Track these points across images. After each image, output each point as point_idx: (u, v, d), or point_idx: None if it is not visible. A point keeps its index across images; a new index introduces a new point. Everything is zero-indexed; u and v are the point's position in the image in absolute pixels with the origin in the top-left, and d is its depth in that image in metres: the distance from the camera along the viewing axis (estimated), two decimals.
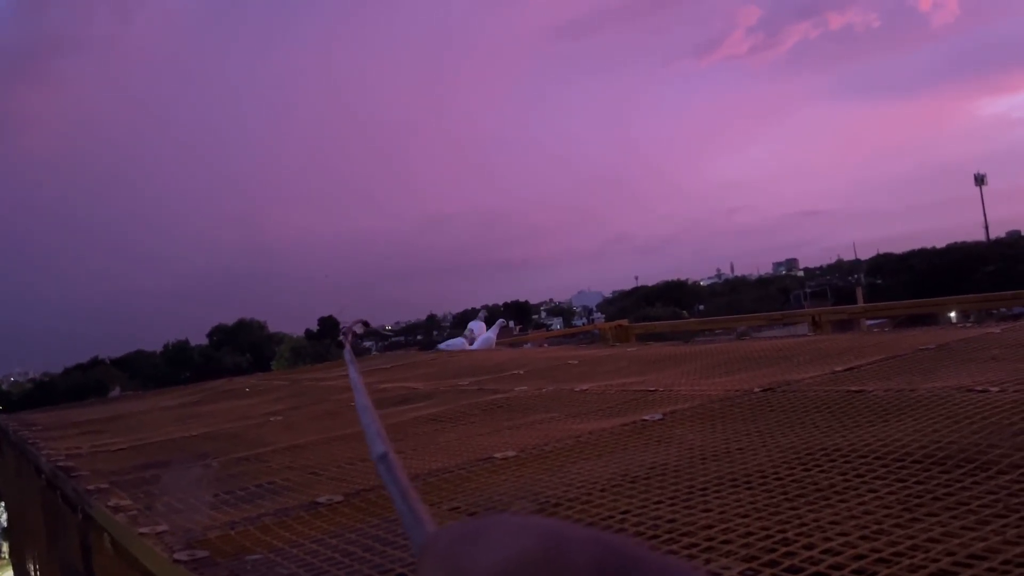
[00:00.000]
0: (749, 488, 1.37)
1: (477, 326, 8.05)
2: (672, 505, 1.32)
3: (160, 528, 1.56)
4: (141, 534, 1.54)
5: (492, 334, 7.85)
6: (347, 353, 1.08)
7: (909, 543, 1.02)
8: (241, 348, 56.15)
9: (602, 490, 1.48)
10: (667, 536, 1.17)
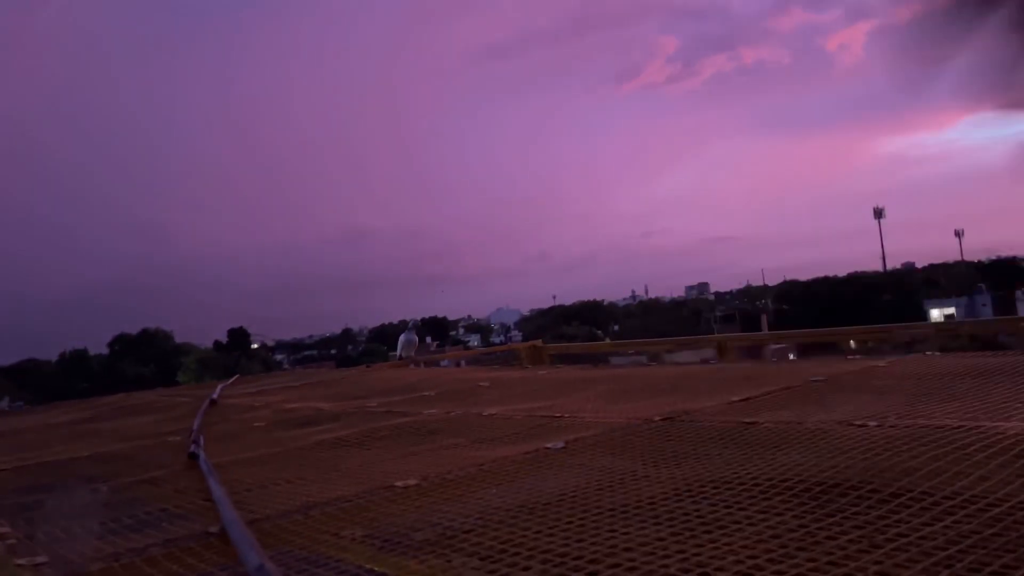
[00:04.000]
0: (639, 519, 1.42)
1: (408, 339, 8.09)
2: (565, 536, 1.35)
3: (39, 559, 1.50)
4: (19, 565, 1.47)
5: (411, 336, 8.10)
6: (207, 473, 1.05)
7: None
8: (144, 359, 53.93)
9: (499, 521, 1.51)
10: (556, 571, 1.19)
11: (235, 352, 50.52)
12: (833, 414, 2.24)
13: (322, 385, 5.88)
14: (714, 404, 2.72)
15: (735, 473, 1.68)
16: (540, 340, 8.02)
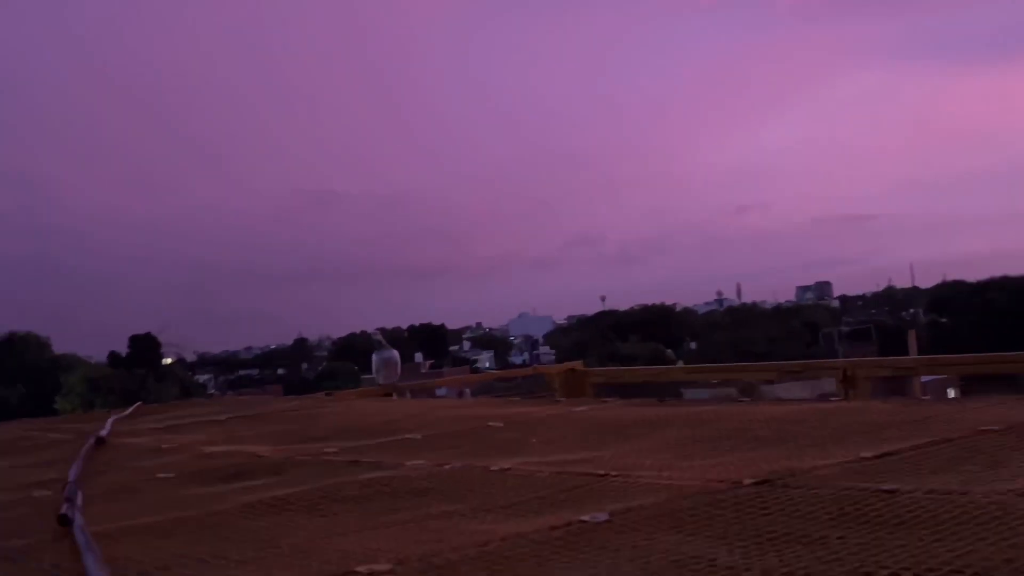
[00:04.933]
0: None
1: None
2: None
3: None
4: None
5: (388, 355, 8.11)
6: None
7: None
8: (10, 376, 54.59)
9: None
10: None
11: (139, 369, 51.03)
12: (1017, 482, 2.21)
13: (262, 420, 5.92)
14: (835, 462, 2.69)
15: (865, 568, 1.64)
16: (581, 362, 8.12)
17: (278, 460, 3.91)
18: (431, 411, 5.73)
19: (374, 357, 8.24)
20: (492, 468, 3.17)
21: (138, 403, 8.85)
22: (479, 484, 2.93)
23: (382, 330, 9.62)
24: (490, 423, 4.56)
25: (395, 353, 8.17)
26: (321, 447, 4.18)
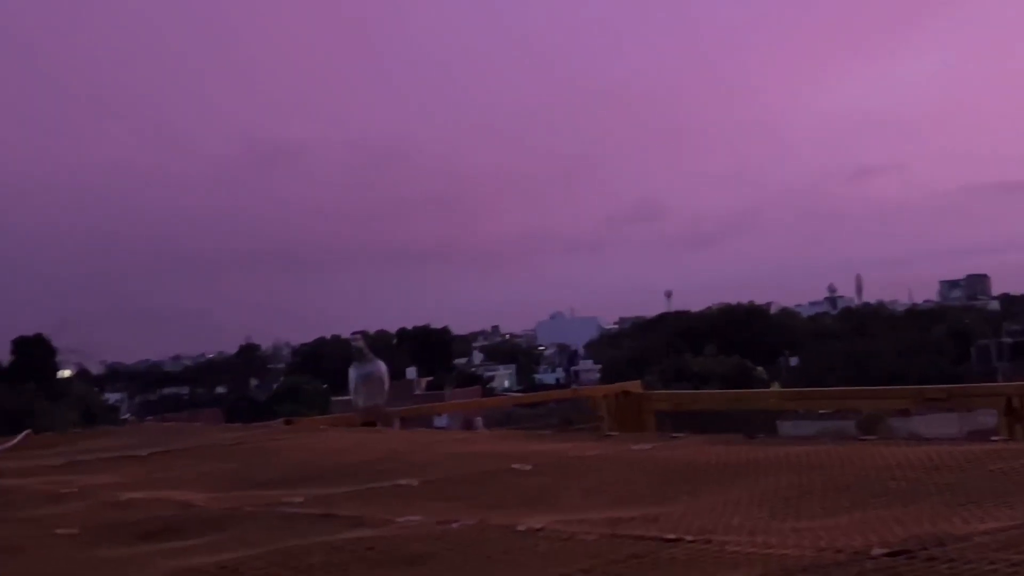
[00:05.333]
0: None
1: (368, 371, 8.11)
2: None
3: None
4: None
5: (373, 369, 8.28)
6: None
7: None
8: None
9: None
10: None
11: (26, 384, 51.30)
12: None
13: (195, 457, 5.93)
14: (998, 526, 2.66)
15: None
16: (638, 382, 8.27)
17: (219, 512, 3.89)
18: (430, 447, 5.73)
19: (352, 372, 8.31)
20: (517, 528, 3.13)
21: (26, 431, 8.80)
22: (498, 550, 2.90)
23: (363, 335, 9.51)
24: (513, 465, 4.52)
25: (380, 366, 8.24)
26: (278, 495, 4.15)
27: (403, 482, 4.32)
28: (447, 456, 5.14)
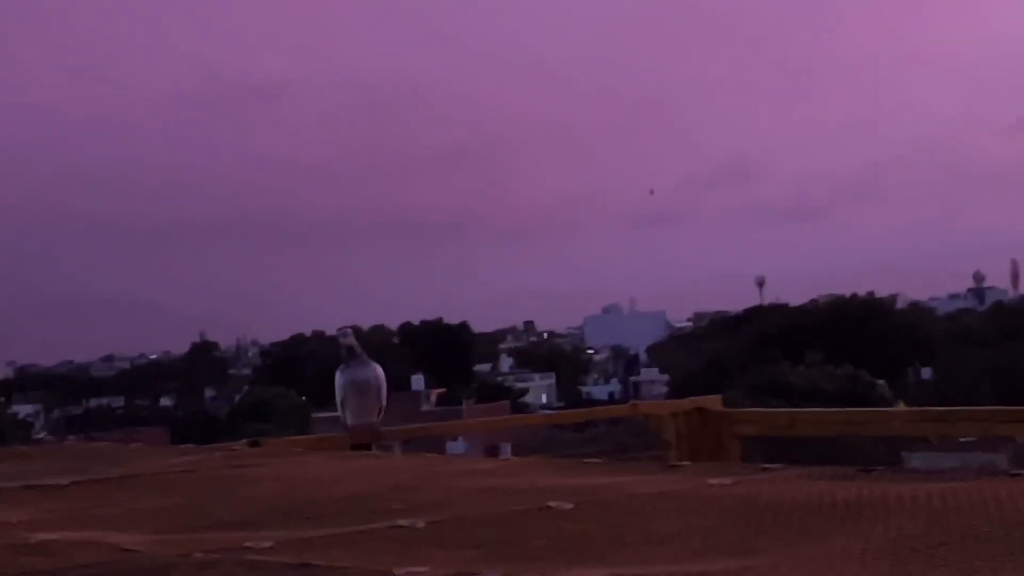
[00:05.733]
0: None
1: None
2: None
3: None
4: None
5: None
6: None
7: None
8: None
9: None
10: None
11: None
12: None
13: (132, 487, 5.69)
14: None
15: None
16: (718, 397, 8.36)
17: (163, 559, 3.65)
18: (441, 478, 5.51)
19: (339, 378, 8.16)
20: None
21: None
22: None
23: (354, 330, 9.38)
24: (550, 503, 4.26)
25: (376, 371, 8.05)
26: (241, 537, 3.90)
27: (404, 523, 4.02)
28: (463, 491, 4.90)
